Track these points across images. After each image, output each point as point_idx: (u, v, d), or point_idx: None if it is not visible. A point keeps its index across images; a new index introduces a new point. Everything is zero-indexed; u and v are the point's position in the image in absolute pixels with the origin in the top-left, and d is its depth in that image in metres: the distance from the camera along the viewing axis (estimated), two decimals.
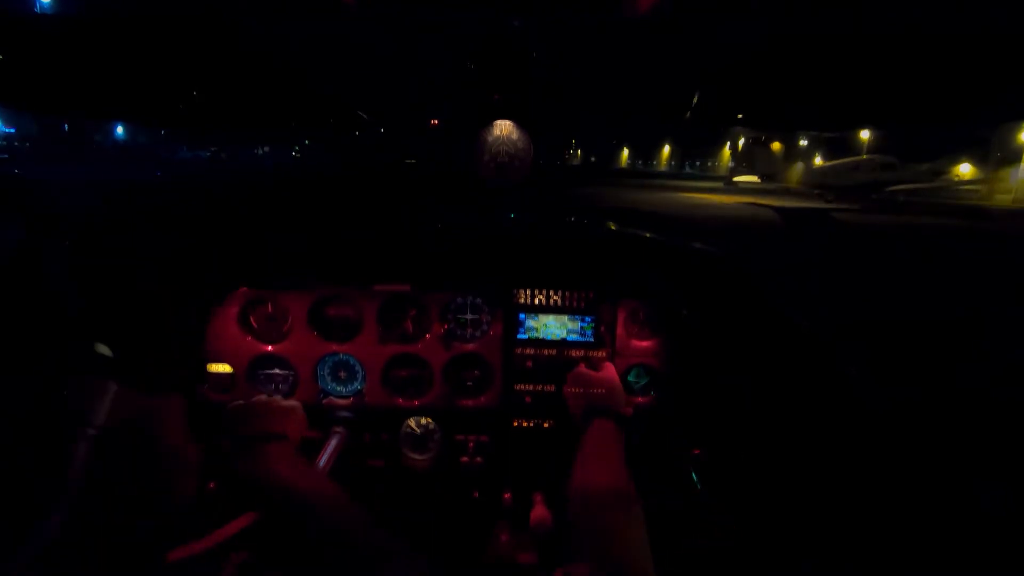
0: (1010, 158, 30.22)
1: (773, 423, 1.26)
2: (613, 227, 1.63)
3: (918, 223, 18.03)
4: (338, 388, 1.60)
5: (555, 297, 1.52)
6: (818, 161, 37.47)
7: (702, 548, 1.29)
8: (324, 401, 1.58)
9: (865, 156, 32.07)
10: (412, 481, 1.58)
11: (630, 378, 1.60)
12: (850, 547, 1.01)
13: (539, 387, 1.56)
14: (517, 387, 1.56)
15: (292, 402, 1.36)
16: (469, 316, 1.57)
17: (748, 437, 1.32)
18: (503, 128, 1.43)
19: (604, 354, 1.54)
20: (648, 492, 1.10)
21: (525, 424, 1.57)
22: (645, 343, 1.57)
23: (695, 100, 1.34)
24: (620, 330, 1.55)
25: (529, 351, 1.55)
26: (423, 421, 1.58)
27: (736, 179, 41.84)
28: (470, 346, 1.57)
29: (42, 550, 0.77)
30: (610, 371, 1.46)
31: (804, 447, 1.20)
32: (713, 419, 1.44)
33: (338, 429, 1.50)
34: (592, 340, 1.54)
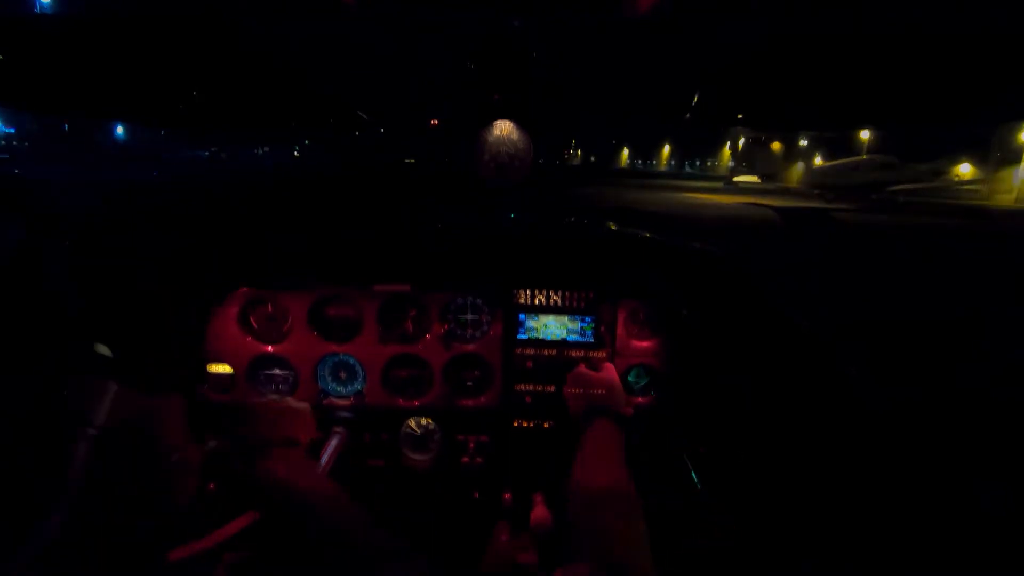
0: (1010, 158, 30.22)
1: (773, 423, 1.26)
2: (613, 227, 1.63)
3: (918, 223, 18.03)
4: (338, 388, 1.60)
5: (555, 297, 1.52)
6: (818, 161, 37.48)
7: (702, 548, 1.29)
8: (324, 402, 1.58)
9: (865, 156, 32.09)
10: (412, 481, 1.58)
11: (630, 378, 1.60)
12: (850, 547, 1.01)
13: (539, 387, 1.56)
14: (517, 387, 1.56)
15: (303, 404, 1.34)
16: (469, 316, 1.57)
17: (748, 437, 1.32)
18: (503, 128, 1.43)
19: (604, 354, 1.54)
20: (648, 492, 1.10)
21: (525, 424, 1.57)
22: (645, 343, 1.57)
23: (695, 100, 1.34)
24: (620, 330, 1.55)
25: (529, 351, 1.55)
26: (423, 421, 1.58)
27: (736, 179, 41.86)
28: (470, 346, 1.57)
29: (42, 550, 0.77)
30: (610, 371, 1.46)
31: (804, 447, 1.20)
32: (713, 419, 1.43)
33: (338, 429, 1.50)
34: (592, 340, 1.54)
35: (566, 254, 1.51)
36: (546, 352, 1.55)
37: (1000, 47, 0.97)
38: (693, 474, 1.43)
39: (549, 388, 1.55)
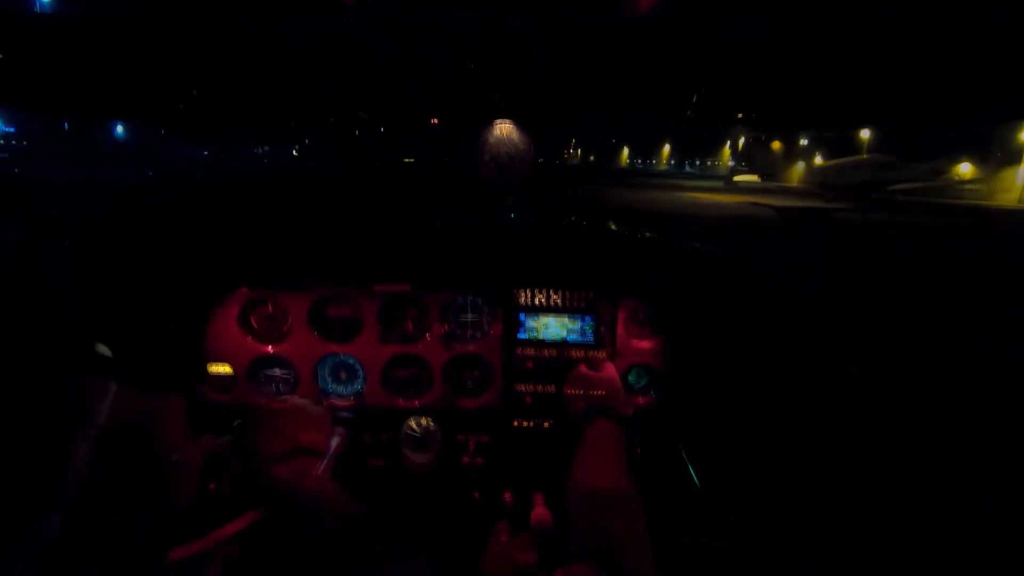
0: (1011, 158, 30.17)
1: (773, 423, 1.26)
2: (613, 227, 1.63)
3: (918, 222, 18.02)
4: (338, 389, 1.60)
5: (555, 297, 1.52)
6: (818, 160, 37.46)
7: (702, 548, 1.29)
8: (324, 402, 1.58)
9: (865, 155, 32.08)
10: (412, 481, 1.58)
11: (630, 378, 1.60)
12: (850, 547, 1.01)
13: (539, 387, 1.55)
14: (517, 387, 1.56)
15: (323, 409, 1.30)
16: (469, 316, 1.57)
17: (748, 437, 1.32)
18: (503, 128, 1.43)
19: (604, 354, 1.54)
20: (648, 492, 1.10)
21: (525, 424, 1.57)
22: (645, 343, 1.57)
23: (695, 100, 1.34)
24: (620, 330, 1.55)
25: (529, 351, 1.55)
26: (423, 421, 1.58)
27: (736, 178, 41.87)
28: (470, 346, 1.57)
29: (42, 550, 0.77)
30: (610, 371, 1.46)
31: (804, 447, 1.20)
32: (713, 419, 1.44)
33: (338, 430, 1.50)
34: (592, 340, 1.54)
35: (566, 254, 1.51)
36: (546, 352, 1.55)
37: (1000, 47, 0.97)
38: (693, 474, 1.43)
39: (549, 388, 1.55)
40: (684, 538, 1.29)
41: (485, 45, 1.33)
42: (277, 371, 1.59)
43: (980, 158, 30.74)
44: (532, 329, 1.54)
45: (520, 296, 1.53)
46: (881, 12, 0.97)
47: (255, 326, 1.57)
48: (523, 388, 1.56)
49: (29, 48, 1.15)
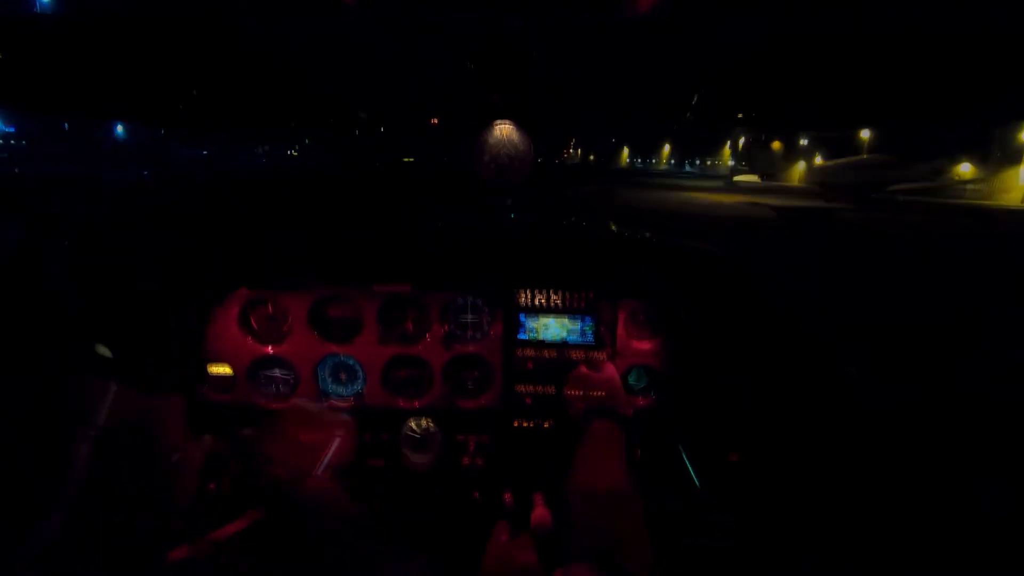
0: (1012, 157, 30.13)
1: (773, 423, 1.26)
2: (613, 227, 1.63)
3: (918, 222, 18.02)
4: (338, 389, 1.60)
5: (555, 298, 1.52)
6: (818, 160, 37.48)
7: (702, 548, 1.29)
8: (325, 403, 1.58)
9: (865, 155, 32.10)
10: (412, 482, 1.58)
11: (630, 379, 1.60)
12: (850, 547, 1.01)
13: (539, 388, 1.55)
14: (517, 388, 1.56)
15: (346, 417, 1.27)
16: (469, 317, 1.57)
17: (748, 437, 1.32)
18: (503, 128, 1.43)
19: (604, 355, 1.54)
20: (648, 492, 1.10)
21: (525, 425, 1.57)
22: (645, 344, 1.57)
23: (695, 100, 1.34)
24: (620, 331, 1.55)
25: (529, 352, 1.55)
26: (423, 423, 1.58)
27: (736, 178, 41.89)
28: (470, 347, 1.57)
29: (42, 550, 0.77)
30: (610, 372, 1.46)
31: (804, 447, 1.20)
32: (713, 419, 1.44)
33: (339, 431, 1.50)
34: (592, 341, 1.54)
35: (566, 254, 1.51)
36: (546, 353, 1.55)
37: (1000, 47, 0.97)
38: (693, 474, 1.43)
39: (549, 389, 1.55)
40: (684, 538, 1.29)
41: (485, 45, 1.33)
42: (277, 371, 1.59)
43: (980, 158, 30.72)
44: (532, 330, 1.54)
45: (520, 297, 1.53)
46: (881, 12, 0.97)
47: (255, 326, 1.57)
48: (523, 389, 1.56)
49: (29, 48, 1.15)
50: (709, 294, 1.41)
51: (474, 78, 1.39)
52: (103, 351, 0.99)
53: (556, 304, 1.53)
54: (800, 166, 37.12)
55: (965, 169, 30.73)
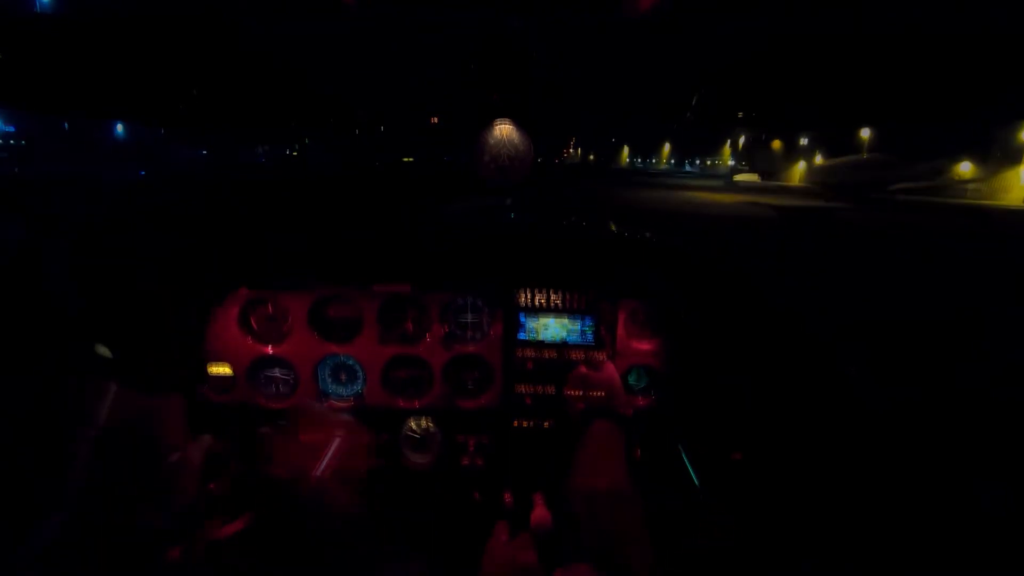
0: (1012, 157, 30.08)
1: (773, 423, 1.26)
2: (613, 227, 1.63)
3: (918, 222, 18.01)
4: (338, 389, 1.60)
5: (555, 298, 1.52)
6: (818, 160, 37.49)
7: (702, 548, 1.29)
8: (325, 403, 1.58)
9: (865, 155, 32.11)
10: (412, 482, 1.58)
11: (630, 379, 1.60)
12: (850, 547, 1.01)
13: (539, 388, 1.55)
14: (517, 388, 1.56)
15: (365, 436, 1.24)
16: (469, 317, 1.57)
17: (748, 437, 1.32)
18: (503, 128, 1.43)
19: (604, 355, 1.54)
20: (648, 492, 1.10)
21: (525, 425, 1.57)
22: (645, 344, 1.57)
23: (695, 100, 1.34)
24: (620, 331, 1.55)
25: (529, 352, 1.55)
26: (423, 423, 1.58)
27: (736, 178, 41.88)
28: (470, 347, 1.57)
29: (42, 550, 0.77)
30: (610, 372, 1.46)
31: (804, 447, 1.20)
32: (713, 419, 1.44)
33: (339, 432, 1.50)
34: (592, 341, 1.54)
35: (566, 254, 1.51)
36: (546, 353, 1.55)
37: (1000, 47, 0.97)
38: (693, 474, 1.43)
39: (549, 389, 1.55)
40: (684, 538, 1.29)
41: (485, 45, 1.33)
42: (277, 372, 1.59)
43: (981, 158, 30.70)
44: (532, 330, 1.54)
45: (520, 297, 1.52)
46: (881, 12, 0.97)
47: (255, 326, 1.57)
48: (523, 389, 1.56)
49: (29, 48, 1.15)
50: (709, 294, 1.41)
51: (474, 78, 1.39)
52: (103, 351, 0.99)
53: (556, 304, 1.53)
54: (800, 166, 37.15)
55: (965, 168, 30.71)
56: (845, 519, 1.05)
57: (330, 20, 1.22)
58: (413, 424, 1.58)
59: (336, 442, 1.43)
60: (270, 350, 1.55)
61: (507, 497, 1.50)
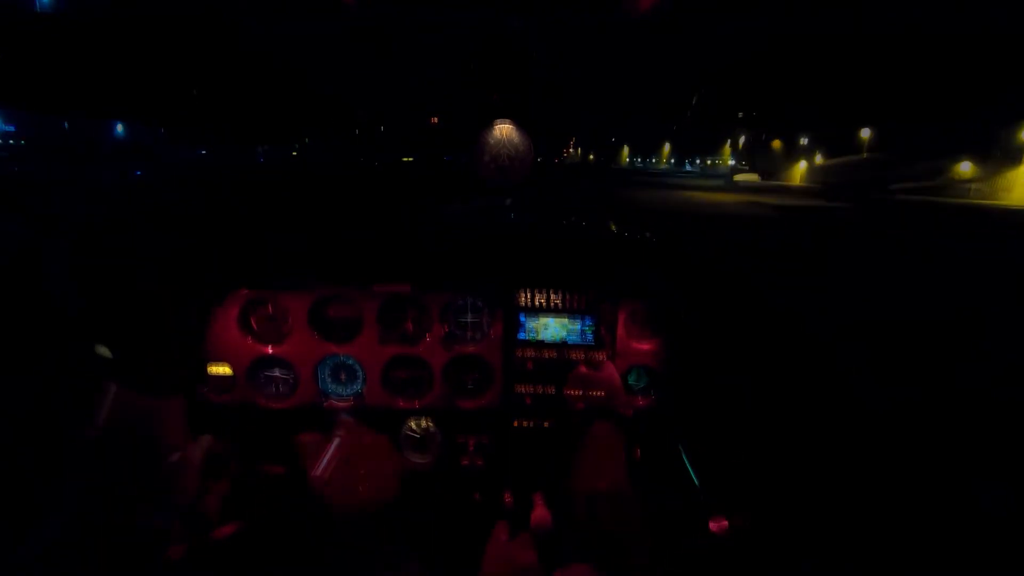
0: (1013, 156, 30.03)
1: (773, 423, 1.26)
2: (613, 227, 1.63)
3: (919, 222, 18.00)
4: (338, 389, 1.60)
5: (555, 298, 1.52)
6: (819, 160, 37.48)
7: (702, 548, 1.29)
8: (324, 403, 1.58)
9: (866, 154, 32.10)
10: (412, 482, 1.58)
11: (630, 379, 1.60)
12: (850, 547, 1.01)
13: (539, 388, 1.55)
14: (517, 388, 1.56)
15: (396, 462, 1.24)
16: (469, 317, 1.57)
17: (748, 437, 1.32)
18: (503, 129, 1.43)
19: (604, 355, 1.54)
20: (648, 492, 1.10)
21: (525, 425, 1.57)
22: (645, 344, 1.57)
23: (695, 100, 1.34)
24: (620, 331, 1.55)
25: (529, 352, 1.55)
26: (423, 423, 1.58)
27: (736, 177, 41.88)
28: (470, 347, 1.57)
29: (42, 550, 0.77)
30: (610, 372, 1.46)
31: (804, 447, 1.20)
32: (713, 419, 1.44)
33: (339, 431, 1.50)
34: (592, 341, 1.54)
35: (566, 254, 1.51)
36: (546, 353, 1.55)
37: (1000, 47, 0.97)
38: (693, 474, 1.43)
39: (549, 389, 1.55)
40: (684, 538, 1.29)
41: (485, 45, 1.33)
42: (277, 372, 1.59)
43: (981, 157, 30.66)
44: (532, 330, 1.54)
45: (520, 297, 1.52)
46: (881, 12, 0.97)
47: (255, 326, 1.57)
48: (523, 389, 1.56)
49: (29, 48, 1.15)
50: (709, 294, 1.41)
51: (474, 78, 1.39)
52: (103, 351, 0.99)
53: (556, 304, 1.53)
54: (801, 165, 37.13)
55: (965, 168, 30.68)
56: (845, 519, 1.05)
57: (330, 20, 1.22)
58: (413, 424, 1.58)
59: (336, 442, 1.43)
60: (270, 350, 1.55)
61: (507, 497, 1.50)
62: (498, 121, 1.43)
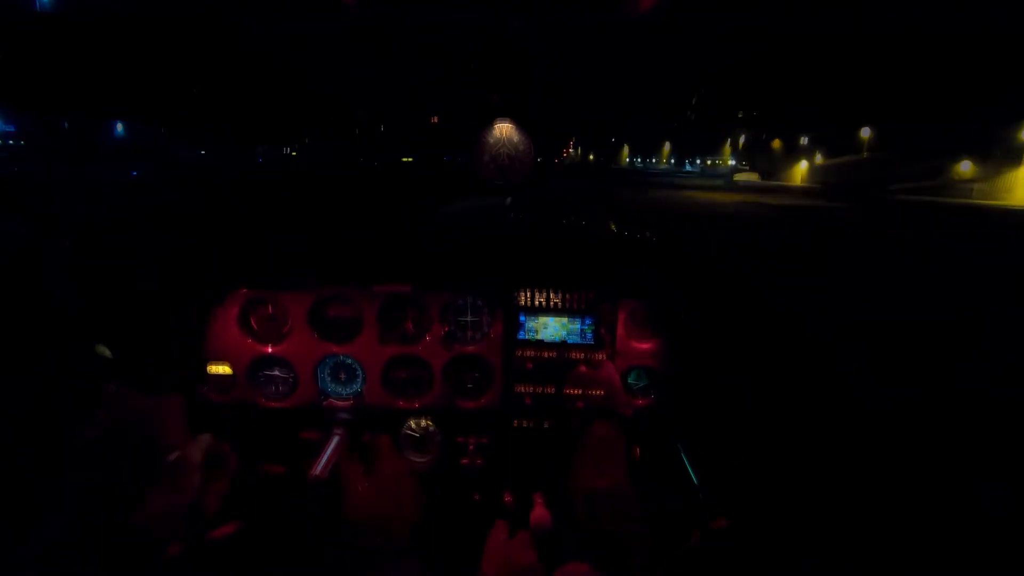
0: (1014, 156, 29.98)
1: (773, 423, 1.26)
2: (613, 227, 1.63)
3: (918, 222, 18.00)
4: (338, 389, 1.60)
5: (555, 298, 1.52)
6: (819, 159, 37.48)
7: (702, 548, 1.29)
8: (324, 403, 1.58)
9: (866, 154, 32.10)
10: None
11: (630, 379, 1.60)
12: (850, 547, 1.01)
13: (539, 388, 1.55)
14: (517, 388, 1.56)
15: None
16: (469, 317, 1.57)
17: (748, 437, 1.32)
18: (503, 128, 1.43)
19: (604, 355, 1.54)
20: (648, 492, 1.10)
21: (525, 425, 1.57)
22: (645, 344, 1.57)
23: (695, 100, 1.34)
24: (620, 331, 1.55)
25: (529, 352, 1.54)
26: (423, 423, 1.58)
27: (736, 177, 41.89)
28: (470, 347, 1.57)
29: (42, 550, 0.77)
30: (610, 372, 1.46)
31: (804, 447, 1.20)
32: (713, 419, 1.44)
33: (338, 431, 1.50)
34: (592, 341, 1.54)
35: (566, 254, 1.51)
36: (546, 353, 1.54)
37: (1000, 47, 0.97)
38: (693, 474, 1.43)
39: (549, 389, 1.55)
40: (684, 538, 1.30)
41: (485, 45, 1.33)
42: (277, 371, 1.59)
43: (981, 157, 30.64)
44: (532, 330, 1.54)
45: (520, 297, 1.52)
46: (881, 12, 0.97)
47: (255, 326, 1.57)
48: (523, 389, 1.56)
49: (29, 48, 1.15)
50: (709, 294, 1.41)
51: (474, 78, 1.39)
52: (103, 351, 0.99)
53: (556, 304, 1.52)
54: (802, 165, 37.11)
55: (965, 168, 30.65)
56: (845, 519, 1.05)
57: (330, 20, 1.22)
58: (413, 424, 1.58)
59: (335, 440, 1.43)
60: (270, 350, 1.55)
61: (507, 497, 1.50)
62: (498, 121, 1.43)
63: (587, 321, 1.53)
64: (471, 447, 1.58)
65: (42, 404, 0.90)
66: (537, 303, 1.52)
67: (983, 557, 0.89)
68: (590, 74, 1.62)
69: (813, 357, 1.24)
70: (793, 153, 39.98)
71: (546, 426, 1.56)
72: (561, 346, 1.54)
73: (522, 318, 1.53)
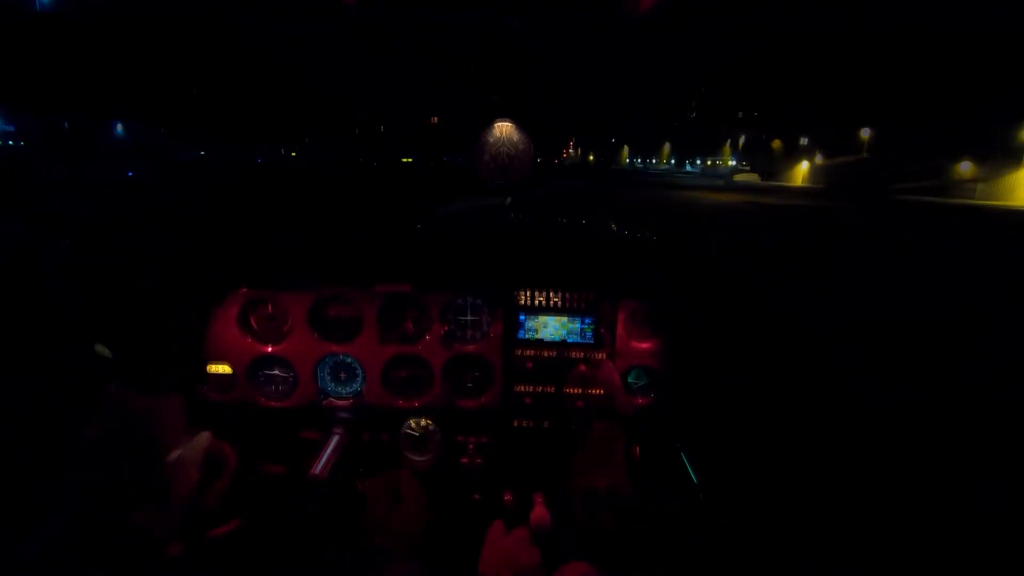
0: (1014, 156, 29.94)
1: (773, 423, 1.26)
2: (613, 227, 1.63)
3: (918, 222, 18.00)
4: (338, 389, 1.60)
5: (555, 298, 1.52)
6: (819, 160, 37.47)
7: (702, 548, 1.29)
8: (324, 402, 1.58)
9: (866, 154, 32.10)
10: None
11: (630, 379, 1.60)
12: (850, 547, 1.01)
13: (539, 388, 1.55)
14: (517, 388, 1.56)
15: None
16: (469, 317, 1.57)
17: (748, 437, 1.32)
18: (503, 128, 1.43)
19: (604, 355, 1.54)
20: (648, 492, 1.10)
21: (525, 424, 1.57)
22: (645, 344, 1.57)
23: (695, 100, 1.34)
24: (620, 331, 1.55)
25: (529, 352, 1.54)
26: (423, 422, 1.58)
27: (736, 177, 41.87)
28: (470, 347, 1.57)
29: (42, 550, 0.77)
30: (610, 372, 1.46)
31: (804, 447, 1.20)
32: (713, 419, 1.44)
33: (338, 430, 1.50)
34: (592, 341, 1.54)
35: (566, 254, 1.51)
36: (546, 353, 1.54)
37: (1000, 47, 0.97)
38: (693, 474, 1.43)
39: (549, 388, 1.55)
40: (684, 538, 1.29)
41: (485, 45, 1.33)
42: (277, 371, 1.59)
43: (980, 157, 30.61)
44: (532, 329, 1.54)
45: (520, 296, 1.52)
46: (881, 12, 0.97)
47: (255, 326, 1.57)
48: (523, 388, 1.56)
49: (29, 48, 1.15)
50: (709, 294, 1.41)
51: (474, 78, 1.39)
52: (103, 351, 0.99)
53: (556, 304, 1.53)
54: (802, 166, 37.11)
55: (965, 168, 30.64)
56: (845, 519, 1.05)
57: (330, 20, 1.22)
58: (413, 424, 1.58)
59: (335, 440, 1.43)
60: (270, 349, 1.55)
61: (507, 497, 1.50)
62: (498, 121, 1.43)
63: (587, 321, 1.53)
64: (471, 446, 1.58)
65: (42, 404, 0.89)
66: (537, 303, 1.52)
67: (983, 557, 0.89)
68: (590, 74, 1.62)
69: (813, 357, 1.24)
70: (793, 153, 39.95)
71: (546, 426, 1.56)
72: (561, 346, 1.54)
73: (522, 318, 1.53)
